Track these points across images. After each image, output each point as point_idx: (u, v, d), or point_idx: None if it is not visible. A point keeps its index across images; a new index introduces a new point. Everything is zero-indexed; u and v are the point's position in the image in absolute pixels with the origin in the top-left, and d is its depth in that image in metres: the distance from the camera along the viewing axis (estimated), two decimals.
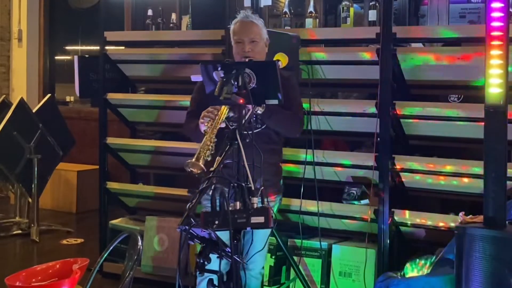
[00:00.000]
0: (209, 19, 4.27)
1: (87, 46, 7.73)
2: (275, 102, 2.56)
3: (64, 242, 5.39)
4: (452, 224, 3.24)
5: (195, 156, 2.44)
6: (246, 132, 2.44)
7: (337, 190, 3.74)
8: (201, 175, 2.44)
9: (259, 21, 3.08)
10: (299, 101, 3.15)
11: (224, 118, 2.65)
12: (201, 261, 2.19)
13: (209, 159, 2.46)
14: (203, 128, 2.71)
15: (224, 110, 2.65)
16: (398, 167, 3.48)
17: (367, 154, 3.61)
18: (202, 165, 2.41)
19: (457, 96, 3.70)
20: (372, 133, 3.43)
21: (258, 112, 2.78)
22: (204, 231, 2.18)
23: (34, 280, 2.47)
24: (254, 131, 2.84)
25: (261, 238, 2.82)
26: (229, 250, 2.19)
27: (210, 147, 2.48)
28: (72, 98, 7.63)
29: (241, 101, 2.40)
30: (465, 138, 3.49)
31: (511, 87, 2.75)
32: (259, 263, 3.05)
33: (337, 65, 3.70)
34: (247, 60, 2.84)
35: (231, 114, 2.66)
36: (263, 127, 2.96)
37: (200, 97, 3.01)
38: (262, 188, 2.37)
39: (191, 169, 2.43)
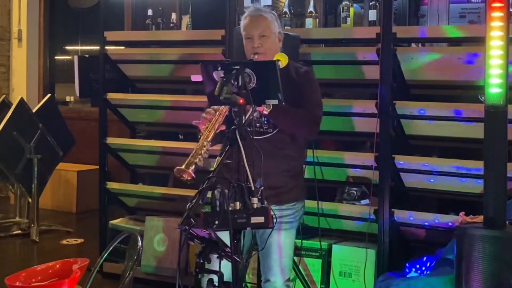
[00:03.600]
0: (209, 19, 4.28)
1: (87, 46, 7.74)
2: (275, 102, 2.54)
3: (64, 242, 5.39)
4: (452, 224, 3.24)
5: (185, 163, 2.32)
6: (247, 133, 2.41)
7: (337, 190, 3.74)
8: (192, 181, 2.31)
9: (270, 13, 2.87)
10: (316, 99, 2.92)
11: (223, 121, 2.50)
12: (201, 261, 2.19)
13: (201, 164, 2.32)
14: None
15: (223, 111, 2.52)
16: (398, 167, 3.48)
17: (367, 154, 3.61)
18: (192, 173, 2.29)
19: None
20: (372, 133, 3.43)
21: (265, 112, 2.67)
22: (204, 231, 2.18)
23: (34, 280, 2.47)
24: (266, 135, 2.79)
25: (275, 246, 2.80)
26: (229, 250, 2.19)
27: (202, 152, 2.35)
28: (72, 98, 7.63)
29: (241, 101, 2.40)
30: (465, 138, 3.49)
31: (511, 87, 2.75)
32: (279, 274, 2.91)
33: (337, 65, 3.70)
34: (256, 57, 2.73)
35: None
36: (275, 131, 2.82)
37: None
38: (262, 188, 2.35)
39: (181, 175, 2.29)
